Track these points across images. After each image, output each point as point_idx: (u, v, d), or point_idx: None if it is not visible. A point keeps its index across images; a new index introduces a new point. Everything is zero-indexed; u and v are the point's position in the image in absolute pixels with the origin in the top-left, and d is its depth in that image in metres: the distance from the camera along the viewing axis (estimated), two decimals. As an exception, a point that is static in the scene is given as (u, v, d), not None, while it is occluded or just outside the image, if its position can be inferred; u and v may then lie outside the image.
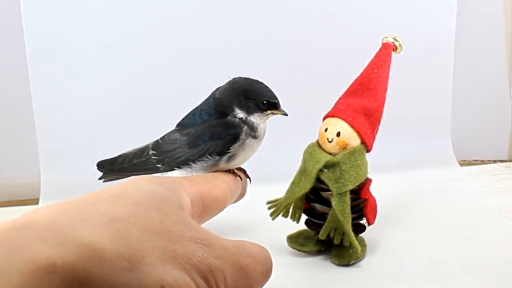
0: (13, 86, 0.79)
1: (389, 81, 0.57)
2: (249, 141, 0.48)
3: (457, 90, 0.88)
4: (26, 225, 0.22)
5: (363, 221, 0.58)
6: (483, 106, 0.92)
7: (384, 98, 0.56)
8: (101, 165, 0.55)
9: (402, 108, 0.81)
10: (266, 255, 0.28)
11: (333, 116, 0.55)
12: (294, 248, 0.59)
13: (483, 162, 0.91)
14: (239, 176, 0.44)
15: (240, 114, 0.48)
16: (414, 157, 0.83)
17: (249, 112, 0.48)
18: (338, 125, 0.54)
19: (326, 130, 0.55)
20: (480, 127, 0.92)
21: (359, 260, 0.57)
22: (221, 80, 0.50)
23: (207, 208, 0.34)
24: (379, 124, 0.56)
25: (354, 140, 0.54)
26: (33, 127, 0.78)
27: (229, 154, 0.48)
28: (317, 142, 0.56)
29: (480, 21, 0.90)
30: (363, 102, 0.55)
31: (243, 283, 0.26)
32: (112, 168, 0.54)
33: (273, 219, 0.58)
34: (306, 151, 0.57)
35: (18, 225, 0.22)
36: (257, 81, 0.49)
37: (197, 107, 0.51)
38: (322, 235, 0.56)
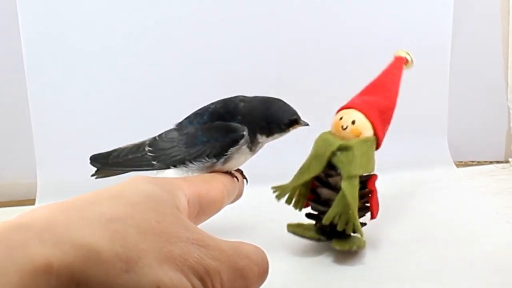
0: (10, 87, 0.79)
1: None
2: (245, 149, 0.48)
3: (454, 91, 0.88)
4: (23, 225, 0.22)
5: (366, 216, 0.58)
6: (479, 106, 0.92)
7: (395, 101, 0.58)
8: (94, 159, 0.53)
9: (398, 108, 0.81)
10: (262, 256, 0.28)
11: (348, 108, 0.57)
12: (295, 233, 0.59)
13: (479, 163, 0.91)
14: (236, 177, 0.44)
15: (261, 138, 0.48)
16: (410, 158, 0.83)
17: (270, 134, 0.49)
18: (353, 114, 0.56)
19: (341, 118, 0.56)
20: (476, 128, 0.92)
21: (361, 249, 0.57)
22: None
23: (204, 208, 0.34)
24: (389, 124, 0.58)
25: (367, 130, 0.56)
26: (30, 127, 0.77)
27: (225, 157, 0.48)
28: (329, 132, 0.57)
29: (477, 21, 0.90)
30: (377, 99, 0.57)
31: (240, 284, 0.26)
32: (106, 162, 0.53)
33: (278, 200, 0.58)
34: (318, 139, 0.57)
35: (16, 225, 0.22)
36: (273, 102, 0.48)
37: (206, 109, 0.50)
38: (326, 220, 0.55)
